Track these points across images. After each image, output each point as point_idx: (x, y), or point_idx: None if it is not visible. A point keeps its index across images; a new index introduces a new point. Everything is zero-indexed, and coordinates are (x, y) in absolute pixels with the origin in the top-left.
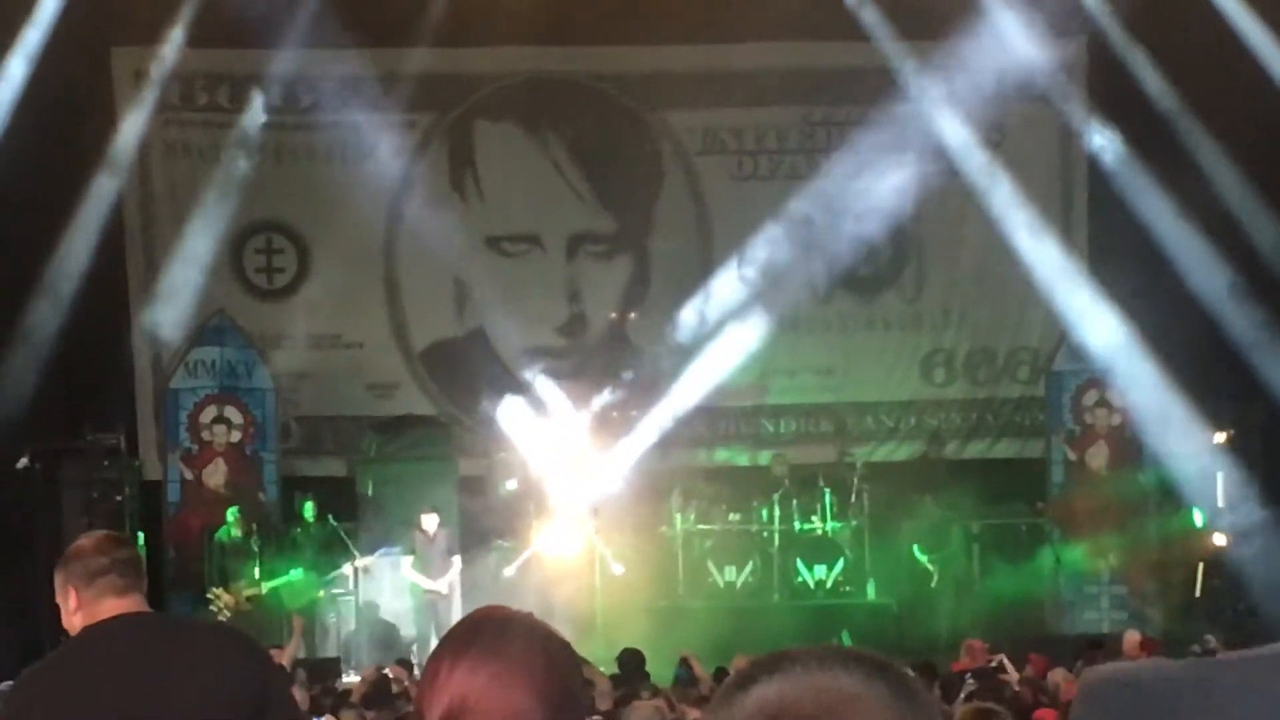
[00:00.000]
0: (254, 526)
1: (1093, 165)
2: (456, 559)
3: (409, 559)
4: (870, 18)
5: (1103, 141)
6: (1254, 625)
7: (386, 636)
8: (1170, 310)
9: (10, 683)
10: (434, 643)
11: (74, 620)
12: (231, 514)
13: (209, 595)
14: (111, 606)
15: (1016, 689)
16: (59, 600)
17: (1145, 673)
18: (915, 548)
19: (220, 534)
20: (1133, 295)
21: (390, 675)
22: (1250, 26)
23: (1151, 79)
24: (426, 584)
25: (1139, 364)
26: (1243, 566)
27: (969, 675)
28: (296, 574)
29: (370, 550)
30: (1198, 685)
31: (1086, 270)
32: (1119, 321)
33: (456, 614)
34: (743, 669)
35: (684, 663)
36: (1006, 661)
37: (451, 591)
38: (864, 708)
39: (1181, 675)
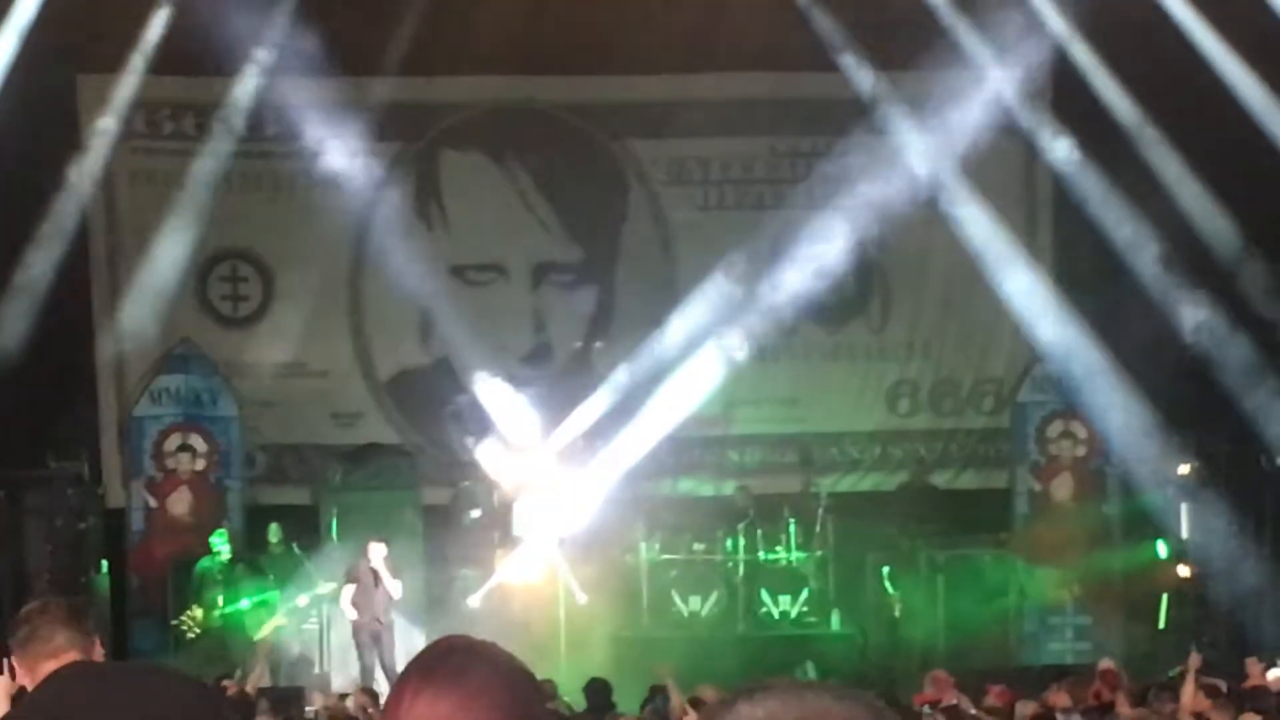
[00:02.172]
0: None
1: (1057, 190)
2: (397, 586)
3: (351, 589)
4: (837, 49)
5: (1068, 166)
6: (1217, 656)
7: (348, 666)
8: (1136, 337)
9: None
10: (377, 672)
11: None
12: (222, 537)
13: (182, 618)
14: (47, 669)
15: (976, 716)
16: None
17: None
18: (883, 577)
19: (203, 562)
20: (1098, 322)
21: (354, 704)
22: (1213, 46)
23: (1116, 101)
24: (350, 614)
25: (1104, 392)
26: (1208, 597)
27: (927, 707)
28: (266, 599)
29: (332, 578)
30: None
31: (1052, 297)
32: (1084, 348)
33: (400, 643)
34: (726, 695)
35: (657, 691)
36: (964, 699)
37: (393, 621)
38: None
39: None
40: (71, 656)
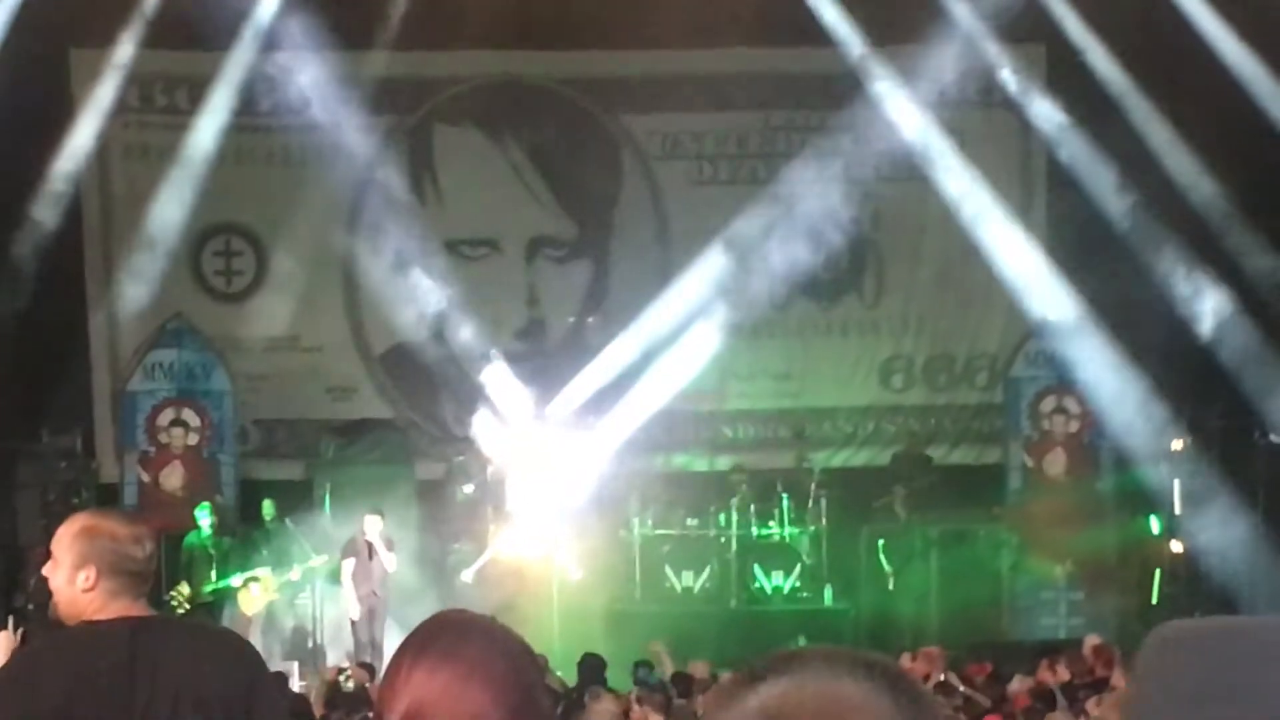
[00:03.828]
0: (219, 525)
1: (1051, 164)
2: (392, 559)
3: (350, 563)
4: (832, 22)
5: (1060, 136)
6: None
7: (342, 640)
8: (1130, 311)
9: None
10: (361, 645)
11: (77, 597)
12: (204, 509)
13: (170, 595)
14: (123, 607)
15: (966, 693)
16: (59, 563)
17: (1229, 622)
18: (877, 550)
19: (190, 537)
20: (1091, 296)
21: (351, 677)
22: (1212, 24)
23: (1108, 70)
24: (350, 597)
25: (1098, 367)
26: (1200, 573)
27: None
28: (258, 574)
29: (323, 552)
30: (1263, 632)
31: (1046, 271)
32: (1077, 322)
33: (394, 618)
34: (752, 666)
35: (643, 665)
36: (953, 677)
37: (388, 594)
38: (865, 716)
39: (1248, 624)
40: (143, 604)
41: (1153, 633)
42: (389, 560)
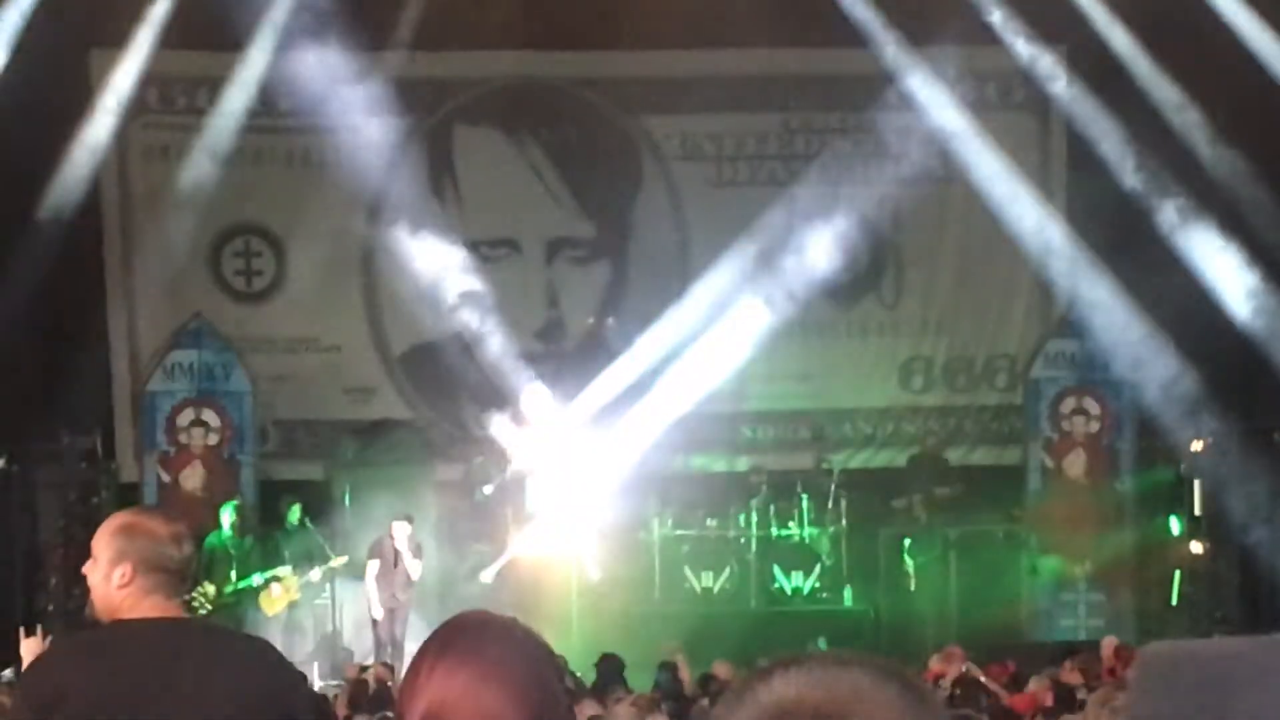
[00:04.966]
0: (240, 525)
1: (1072, 167)
2: (417, 566)
3: (375, 564)
4: (852, 24)
5: (1082, 137)
6: (1228, 632)
7: (362, 640)
8: (1152, 314)
9: (9, 671)
10: (383, 645)
11: (112, 594)
12: (230, 508)
13: (193, 594)
14: (156, 606)
15: (992, 690)
16: (97, 560)
17: (1204, 647)
18: (900, 550)
19: (212, 538)
20: (1114, 298)
21: (372, 677)
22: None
23: (1133, 57)
24: (373, 598)
25: (1118, 366)
26: (1220, 574)
27: (944, 681)
28: (279, 575)
29: (344, 552)
30: (1256, 660)
31: (1066, 268)
32: (1101, 323)
33: (414, 618)
34: (763, 664)
35: (665, 667)
36: (975, 668)
37: (410, 599)
38: (873, 704)
39: (1240, 650)
40: (178, 604)
41: (1143, 652)
42: (414, 568)
